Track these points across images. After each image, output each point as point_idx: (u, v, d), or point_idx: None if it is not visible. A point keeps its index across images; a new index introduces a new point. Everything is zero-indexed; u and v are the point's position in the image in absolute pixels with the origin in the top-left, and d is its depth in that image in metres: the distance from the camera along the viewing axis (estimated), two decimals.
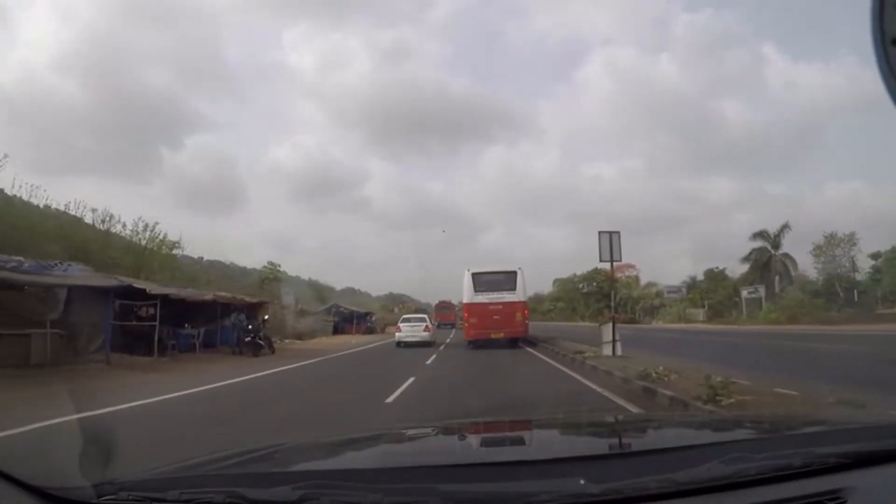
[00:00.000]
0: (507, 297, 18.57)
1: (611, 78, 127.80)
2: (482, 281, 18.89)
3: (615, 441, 1.92)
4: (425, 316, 25.91)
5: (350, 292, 73.28)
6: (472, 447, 1.95)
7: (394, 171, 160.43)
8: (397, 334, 22.29)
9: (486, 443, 2.04)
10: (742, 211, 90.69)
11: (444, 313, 51.83)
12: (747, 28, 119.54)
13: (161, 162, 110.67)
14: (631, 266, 62.25)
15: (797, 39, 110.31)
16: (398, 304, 69.62)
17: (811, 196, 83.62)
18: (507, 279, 18.91)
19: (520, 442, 2.03)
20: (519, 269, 19.16)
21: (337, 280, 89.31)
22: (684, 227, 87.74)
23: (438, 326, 47.48)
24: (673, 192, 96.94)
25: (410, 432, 2.31)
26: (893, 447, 1.31)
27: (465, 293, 19.12)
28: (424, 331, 21.81)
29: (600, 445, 1.87)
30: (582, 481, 1.13)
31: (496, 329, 18.02)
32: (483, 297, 18.53)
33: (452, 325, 44.84)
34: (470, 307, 18.90)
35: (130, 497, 1.17)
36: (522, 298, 19.18)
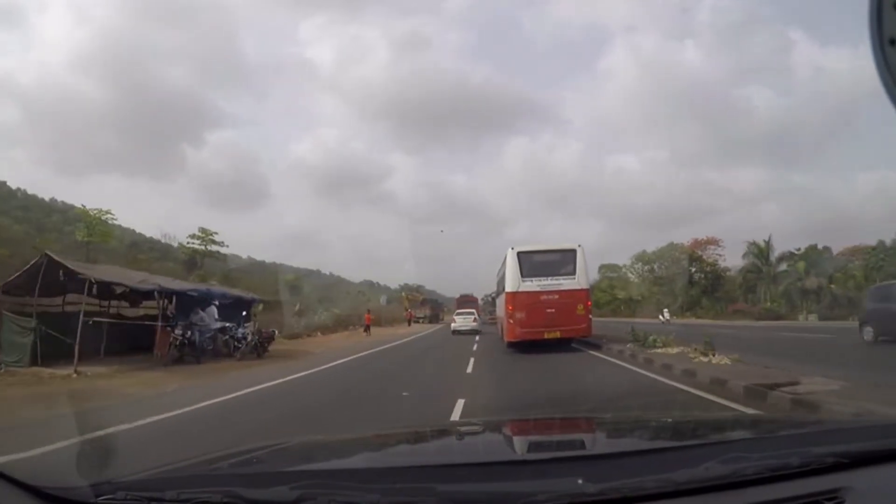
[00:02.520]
0: (564, 283, 13.87)
1: (634, 66, 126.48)
2: (532, 263, 14.12)
3: (613, 440, 1.92)
4: (473, 311, 30.80)
5: (368, 285, 69.07)
6: (469, 447, 1.95)
7: (414, 164, 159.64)
8: (452, 325, 28.48)
9: (484, 442, 2.04)
10: (768, 201, 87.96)
11: (466, 307, 49.93)
12: (773, 11, 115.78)
13: (183, 159, 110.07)
14: (714, 241, 48.99)
15: (824, 22, 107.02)
16: (406, 293, 58.71)
17: (839, 186, 79.25)
18: (563, 260, 14.26)
19: (518, 442, 2.03)
20: (578, 246, 14.28)
21: (356, 274, 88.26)
22: (711, 219, 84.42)
23: None
24: (698, 183, 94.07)
25: (408, 432, 2.31)
26: (891, 447, 1.32)
27: (509, 279, 14.18)
28: (473, 321, 27.53)
29: (598, 445, 1.86)
30: (580, 481, 1.13)
31: (550, 326, 13.47)
32: (533, 285, 13.79)
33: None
34: (516, 298, 13.87)
35: (128, 497, 1.17)
36: (584, 285, 14.23)
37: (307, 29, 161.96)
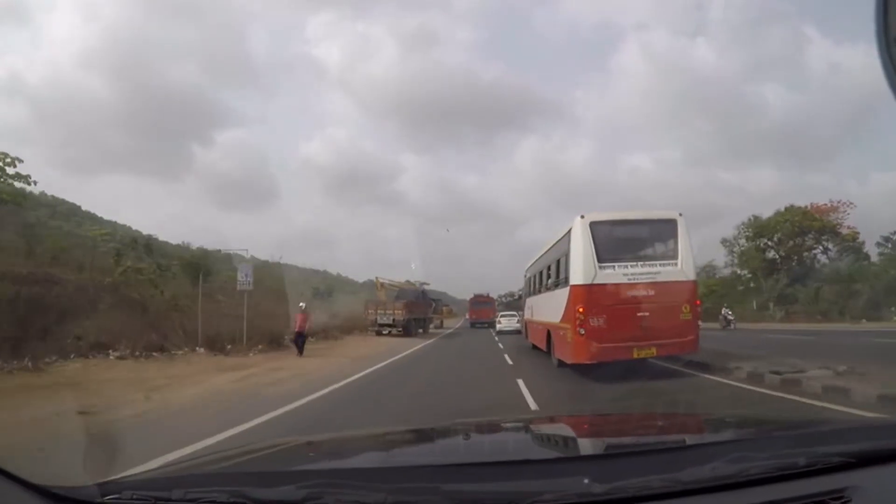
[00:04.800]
0: (662, 271, 9.07)
1: (646, 63, 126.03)
2: (612, 240, 9.24)
3: (619, 440, 1.92)
4: (516, 313, 27.16)
5: (371, 285, 67.94)
6: (475, 447, 1.95)
7: (423, 163, 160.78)
8: (497, 325, 27.51)
9: (489, 442, 2.04)
10: (781, 200, 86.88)
11: (481, 309, 40.12)
12: (788, 7, 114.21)
13: (191, 158, 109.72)
14: (834, 208, 34.82)
15: (840, 17, 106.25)
16: (379, 279, 35.06)
17: (854, 187, 78.03)
18: (656, 235, 9.59)
19: (524, 441, 2.03)
20: (679, 215, 9.41)
21: (363, 274, 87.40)
22: (724, 218, 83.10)
23: (472, 325, 38.97)
24: (711, 182, 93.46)
25: (415, 431, 2.31)
26: None
27: (577, 265, 9.10)
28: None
29: (604, 445, 1.87)
30: (586, 480, 1.14)
31: (642, 339, 8.73)
32: (617, 274, 8.98)
33: (490, 324, 35.92)
34: (590, 295, 8.93)
35: (135, 496, 1.17)
36: (691, 275, 9.33)
37: (317, 26, 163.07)
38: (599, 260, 8.92)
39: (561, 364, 10.15)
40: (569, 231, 9.54)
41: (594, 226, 9.07)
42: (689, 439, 1.80)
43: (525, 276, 16.99)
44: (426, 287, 37.30)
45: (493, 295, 45.92)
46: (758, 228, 37.18)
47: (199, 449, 4.67)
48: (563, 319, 9.78)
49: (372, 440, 2.07)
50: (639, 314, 8.80)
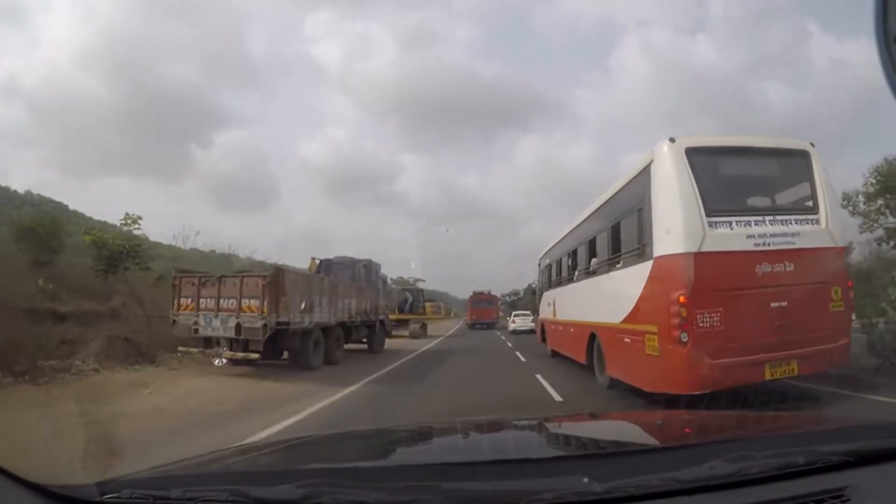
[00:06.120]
0: (800, 232, 5.40)
1: (647, 61, 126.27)
2: (723, 178, 5.63)
3: (618, 439, 1.92)
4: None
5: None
6: (475, 445, 1.95)
7: (422, 162, 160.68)
8: (511, 325, 26.66)
9: (489, 441, 2.04)
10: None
11: (482, 309, 36.40)
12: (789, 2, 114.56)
13: (188, 159, 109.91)
14: None
15: (840, 13, 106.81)
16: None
17: (857, 186, 79.51)
18: (782, 174, 6.03)
19: (523, 440, 2.03)
20: (811, 145, 5.82)
21: None
22: None
23: (472, 327, 35.27)
24: None
25: (414, 430, 2.31)
26: None
27: (669, 222, 5.28)
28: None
29: (604, 444, 1.87)
30: (585, 479, 1.13)
31: (778, 348, 5.16)
32: (738, 236, 5.25)
33: (491, 326, 34.10)
34: (698, 273, 5.04)
35: (134, 495, 1.17)
36: (839, 240, 5.65)
37: (316, 25, 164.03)
38: (707, 212, 5.28)
39: (613, 384, 6.90)
40: (647, 167, 5.77)
41: (693, 155, 5.41)
42: (689, 438, 1.80)
43: (540, 265, 13.27)
44: (420, 284, 29.79)
45: (496, 294, 42.58)
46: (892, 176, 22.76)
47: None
48: (635, 318, 6.05)
49: (371, 439, 2.07)
50: (773, 305, 5.29)
